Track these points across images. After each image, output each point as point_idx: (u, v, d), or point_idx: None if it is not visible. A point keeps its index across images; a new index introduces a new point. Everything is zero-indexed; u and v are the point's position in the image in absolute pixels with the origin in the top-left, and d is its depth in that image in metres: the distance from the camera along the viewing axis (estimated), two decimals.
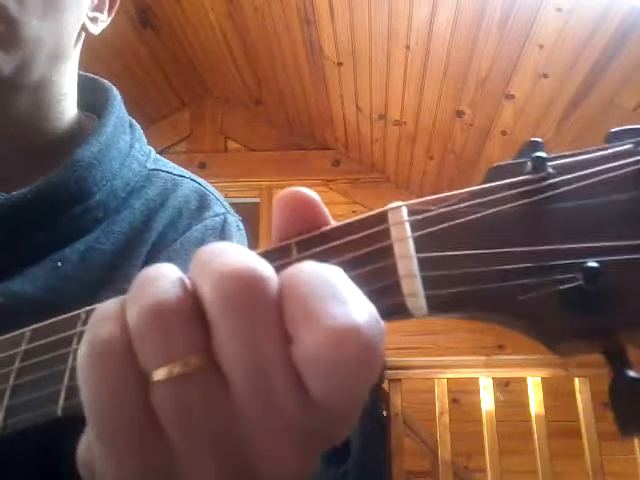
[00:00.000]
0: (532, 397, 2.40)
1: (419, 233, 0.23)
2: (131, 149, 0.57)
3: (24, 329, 0.29)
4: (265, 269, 0.21)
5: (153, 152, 0.62)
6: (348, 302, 0.20)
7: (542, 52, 2.36)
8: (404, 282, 0.22)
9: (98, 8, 0.58)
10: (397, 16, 2.54)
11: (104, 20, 0.59)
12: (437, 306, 0.22)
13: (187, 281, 0.22)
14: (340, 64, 3.03)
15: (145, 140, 0.61)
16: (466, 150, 3.14)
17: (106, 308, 0.22)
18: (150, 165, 0.59)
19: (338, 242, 0.24)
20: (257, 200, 3.81)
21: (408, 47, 2.68)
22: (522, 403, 2.56)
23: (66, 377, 0.25)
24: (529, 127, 2.75)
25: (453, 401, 2.78)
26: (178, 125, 3.95)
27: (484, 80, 2.66)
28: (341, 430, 0.22)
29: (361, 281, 0.22)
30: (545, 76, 2.46)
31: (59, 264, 0.48)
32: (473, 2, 2.31)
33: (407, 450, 2.42)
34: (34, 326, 0.29)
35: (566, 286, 0.21)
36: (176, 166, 0.63)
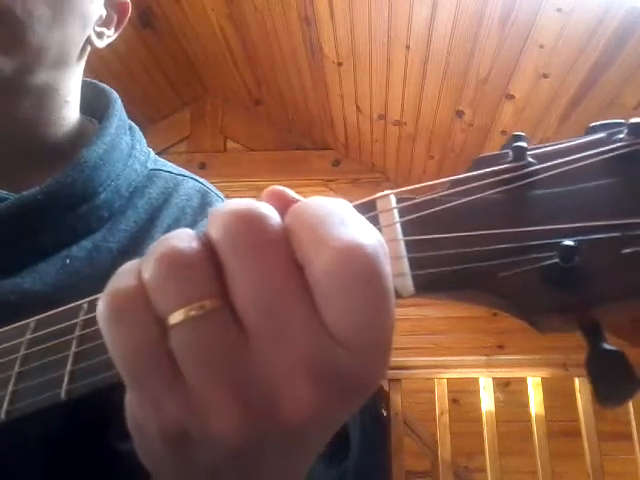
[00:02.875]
0: (532, 397, 2.40)
1: (406, 218, 0.24)
2: (132, 150, 0.58)
3: (29, 320, 0.30)
4: (265, 206, 0.22)
5: (152, 153, 0.63)
6: (354, 226, 0.21)
7: (542, 52, 2.36)
8: (392, 263, 0.23)
9: (105, 24, 0.59)
10: (397, 16, 2.54)
11: (110, 35, 0.60)
12: (423, 285, 0.23)
13: (201, 236, 0.23)
14: (340, 64, 3.03)
15: (144, 142, 0.62)
16: (466, 150, 3.14)
17: (124, 267, 0.23)
18: (151, 165, 0.60)
19: None
20: None
21: (408, 47, 2.68)
22: (522, 403, 2.56)
23: (69, 362, 0.27)
24: (529, 127, 2.75)
25: (453, 401, 2.78)
26: (178, 125, 3.95)
27: (484, 80, 2.66)
28: (365, 372, 0.22)
29: None
30: (545, 76, 2.46)
31: (68, 261, 0.49)
32: (473, 2, 2.31)
33: (407, 450, 2.42)
34: (38, 316, 0.30)
35: (544, 263, 0.22)
36: (175, 166, 0.64)
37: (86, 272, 0.49)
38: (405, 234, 0.24)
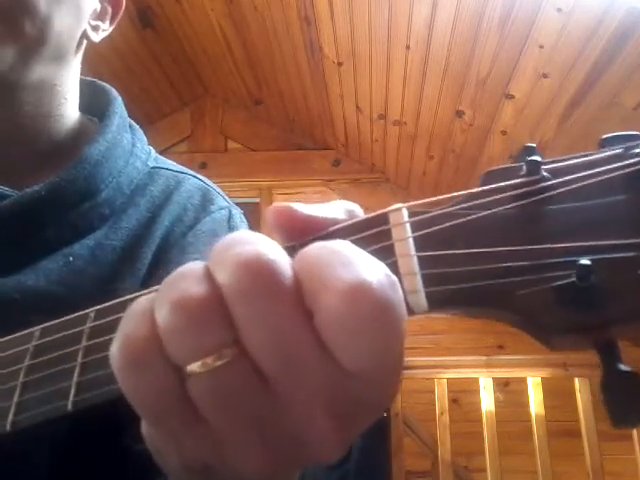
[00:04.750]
0: (532, 397, 2.40)
1: (419, 233, 0.24)
2: (133, 148, 0.58)
3: (34, 328, 0.29)
4: (277, 253, 0.21)
5: (153, 151, 0.63)
6: (357, 264, 0.21)
7: (542, 52, 2.36)
8: (405, 280, 0.23)
9: (100, 17, 0.59)
10: (397, 16, 2.54)
11: (105, 29, 0.60)
12: (437, 302, 0.23)
13: (208, 274, 0.23)
14: (340, 64, 3.03)
15: (145, 140, 0.63)
16: (466, 150, 3.14)
17: (135, 309, 0.23)
18: (152, 163, 0.60)
19: None
20: (257, 200, 3.81)
21: (408, 47, 2.68)
22: (522, 403, 2.56)
23: (76, 373, 0.26)
24: (529, 127, 2.75)
25: (453, 401, 2.78)
26: (178, 125, 3.95)
27: (484, 80, 2.66)
28: (379, 397, 0.22)
29: None
30: (545, 76, 2.46)
31: (71, 259, 0.49)
32: (473, 2, 2.31)
33: (407, 450, 2.42)
34: (43, 325, 0.29)
35: (560, 283, 0.21)
36: (175, 164, 0.64)
37: (89, 270, 0.49)
38: (418, 249, 0.24)
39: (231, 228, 0.58)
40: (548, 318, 0.22)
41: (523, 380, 2.47)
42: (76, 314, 0.28)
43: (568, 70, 2.36)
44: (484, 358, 2.56)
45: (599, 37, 2.16)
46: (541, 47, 2.35)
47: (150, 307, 0.22)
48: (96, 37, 0.59)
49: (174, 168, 0.62)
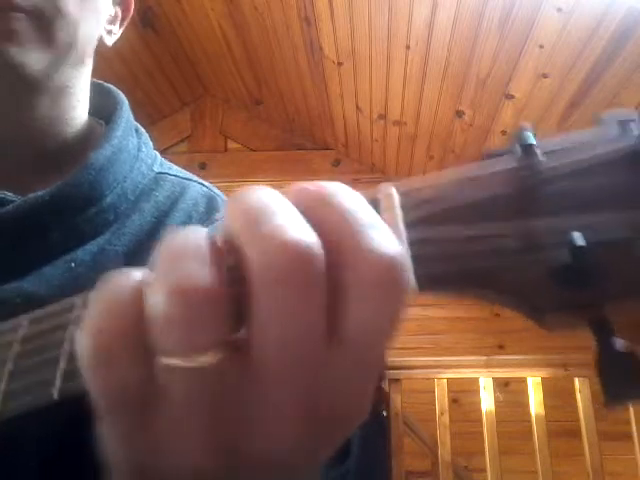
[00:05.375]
0: (532, 397, 2.40)
1: (409, 214, 0.24)
2: (139, 152, 0.58)
3: (21, 316, 0.29)
4: (318, 245, 0.20)
5: (159, 156, 0.63)
6: (382, 231, 0.21)
7: (542, 52, 2.36)
8: None
9: (113, 21, 0.60)
10: (397, 16, 2.54)
11: (116, 33, 0.61)
12: (428, 284, 0.23)
13: (220, 245, 0.21)
14: (340, 64, 3.03)
15: (151, 144, 0.62)
16: (466, 150, 3.14)
17: (117, 287, 0.21)
18: (157, 168, 0.60)
19: None
20: None
21: (408, 47, 2.68)
22: (522, 403, 2.56)
23: (62, 361, 0.26)
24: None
25: (453, 401, 2.78)
26: (178, 125, 3.95)
27: (484, 80, 2.66)
28: (361, 395, 0.22)
29: None
30: (545, 76, 2.47)
31: (73, 265, 0.48)
32: (473, 2, 2.31)
33: (407, 450, 2.42)
34: (31, 313, 0.29)
35: (554, 262, 0.21)
36: (181, 169, 0.64)
37: (92, 276, 0.48)
38: (409, 231, 0.23)
39: None
40: (542, 298, 0.22)
41: (523, 380, 2.47)
42: (63, 301, 0.28)
43: (568, 70, 2.36)
44: (484, 358, 2.56)
45: (599, 37, 2.16)
46: (541, 47, 2.35)
47: (138, 287, 0.21)
48: (110, 41, 0.59)
49: (180, 174, 0.62)
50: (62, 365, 0.26)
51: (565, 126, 2.60)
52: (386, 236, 0.21)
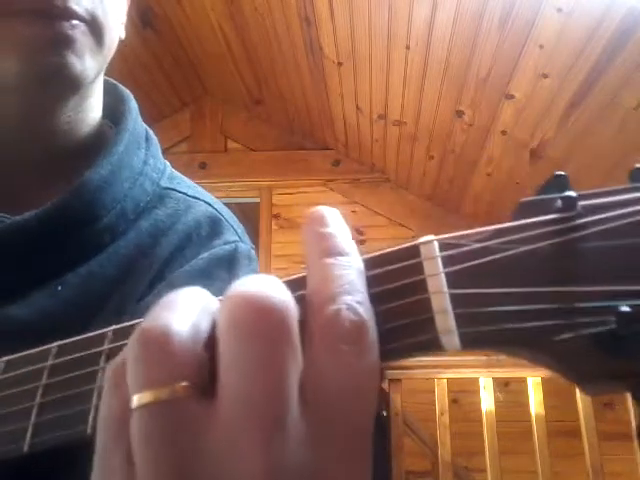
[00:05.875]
0: (532, 397, 2.40)
1: (451, 269, 0.23)
2: (145, 166, 0.54)
3: (51, 344, 0.29)
4: (281, 295, 0.21)
5: (169, 168, 0.59)
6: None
7: (542, 52, 2.36)
8: (438, 318, 0.22)
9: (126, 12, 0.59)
10: (397, 16, 2.54)
11: (124, 22, 0.59)
12: (470, 342, 0.22)
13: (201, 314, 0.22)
14: (340, 64, 3.03)
15: (160, 154, 0.59)
16: (466, 150, 3.14)
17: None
18: (164, 183, 0.56)
19: (370, 273, 0.24)
20: (257, 200, 3.81)
21: (408, 47, 2.68)
22: (522, 403, 2.56)
23: (94, 396, 0.26)
24: (529, 127, 2.75)
25: (453, 401, 2.78)
26: (179, 125, 3.95)
27: (484, 80, 2.66)
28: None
29: (394, 315, 0.23)
30: (545, 76, 2.47)
31: (59, 288, 0.46)
32: (473, 2, 2.31)
33: (407, 450, 2.42)
34: (60, 342, 0.28)
35: (599, 329, 0.21)
36: (193, 186, 0.60)
37: (76, 300, 0.46)
38: (450, 286, 0.23)
39: (231, 267, 0.52)
40: (586, 365, 0.21)
41: (523, 380, 2.47)
42: (95, 333, 0.28)
43: (568, 70, 2.36)
44: (484, 358, 2.56)
45: (599, 37, 2.16)
46: (541, 47, 2.35)
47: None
48: (123, 33, 0.58)
49: (189, 191, 0.58)
50: (94, 400, 0.25)
51: (565, 126, 2.60)
52: (358, 299, 0.21)
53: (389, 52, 2.77)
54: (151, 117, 3.75)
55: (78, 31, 0.45)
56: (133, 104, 0.58)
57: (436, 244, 0.24)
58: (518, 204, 0.24)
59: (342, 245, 0.24)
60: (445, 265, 0.23)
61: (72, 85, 0.48)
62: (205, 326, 0.22)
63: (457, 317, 0.22)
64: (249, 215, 3.64)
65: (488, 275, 0.22)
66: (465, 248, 0.23)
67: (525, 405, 2.46)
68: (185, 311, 0.22)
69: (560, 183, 0.23)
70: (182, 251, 0.52)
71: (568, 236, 0.22)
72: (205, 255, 0.52)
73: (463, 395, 3.03)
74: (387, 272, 0.24)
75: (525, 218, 0.23)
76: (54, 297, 0.46)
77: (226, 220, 0.57)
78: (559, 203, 0.23)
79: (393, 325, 0.23)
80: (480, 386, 2.46)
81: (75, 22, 0.45)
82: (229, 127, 3.99)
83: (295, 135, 3.92)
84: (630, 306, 0.20)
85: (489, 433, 2.36)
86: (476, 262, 0.23)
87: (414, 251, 0.24)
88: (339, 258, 0.23)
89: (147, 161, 0.55)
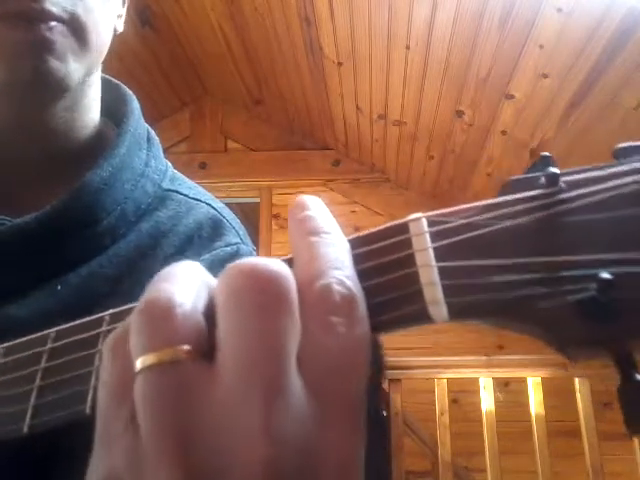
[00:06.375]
0: (532, 397, 2.40)
1: (439, 243, 0.24)
2: (146, 168, 0.54)
3: (49, 330, 0.29)
4: (282, 267, 0.22)
5: (170, 169, 0.59)
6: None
7: (542, 52, 2.36)
8: (426, 290, 0.23)
9: (122, 4, 0.57)
10: (397, 16, 2.54)
11: (122, 15, 0.57)
12: (457, 313, 0.23)
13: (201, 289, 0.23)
14: (340, 64, 3.03)
15: (162, 155, 0.58)
16: (466, 150, 3.14)
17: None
18: (166, 185, 0.56)
19: (360, 250, 0.25)
20: (257, 200, 3.81)
21: (408, 47, 2.68)
22: (522, 403, 2.56)
23: (93, 377, 0.26)
24: (529, 127, 2.75)
25: (453, 401, 2.78)
26: (178, 125, 3.95)
27: (484, 80, 2.66)
28: (325, 444, 0.21)
29: (383, 288, 0.24)
30: (545, 76, 2.47)
31: (59, 288, 0.46)
32: (473, 2, 2.31)
33: (407, 450, 2.42)
34: (58, 327, 0.29)
35: (580, 296, 0.22)
36: (195, 187, 0.59)
37: (76, 300, 0.46)
38: (438, 260, 0.24)
39: None
40: (568, 331, 0.22)
41: (523, 380, 2.47)
42: (92, 317, 0.28)
43: (568, 70, 2.36)
44: (484, 358, 2.56)
45: (599, 37, 2.16)
46: (541, 47, 2.35)
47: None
48: (120, 27, 0.56)
49: (190, 193, 0.57)
50: (93, 381, 0.26)
51: (565, 126, 2.60)
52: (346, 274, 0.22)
53: (389, 52, 2.77)
54: (151, 117, 3.74)
55: (57, 32, 0.45)
56: (135, 105, 0.58)
57: (424, 221, 0.25)
58: (503, 183, 0.25)
59: (325, 224, 0.25)
60: (433, 240, 0.24)
61: (56, 89, 0.47)
62: (204, 296, 0.23)
63: (445, 289, 0.23)
64: (249, 215, 3.65)
65: (475, 248, 0.23)
66: (452, 224, 0.24)
67: (525, 405, 2.46)
68: (185, 282, 0.23)
69: (545, 163, 0.24)
70: (183, 253, 0.52)
71: (551, 210, 0.23)
72: (207, 257, 0.52)
73: (463, 395, 3.03)
74: (376, 249, 0.25)
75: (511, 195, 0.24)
76: (54, 297, 0.46)
77: (228, 222, 0.57)
78: (543, 180, 0.24)
79: (382, 299, 0.24)
80: (480, 386, 2.46)
81: (53, 24, 0.44)
82: (229, 127, 3.99)
83: (295, 135, 3.92)
84: (611, 273, 0.21)
85: (489, 433, 2.36)
86: (463, 236, 0.24)
87: (403, 228, 0.25)
88: (323, 236, 0.24)
89: (148, 163, 0.55)
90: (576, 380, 2.38)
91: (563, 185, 0.23)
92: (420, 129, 3.19)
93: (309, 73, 3.22)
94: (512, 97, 2.67)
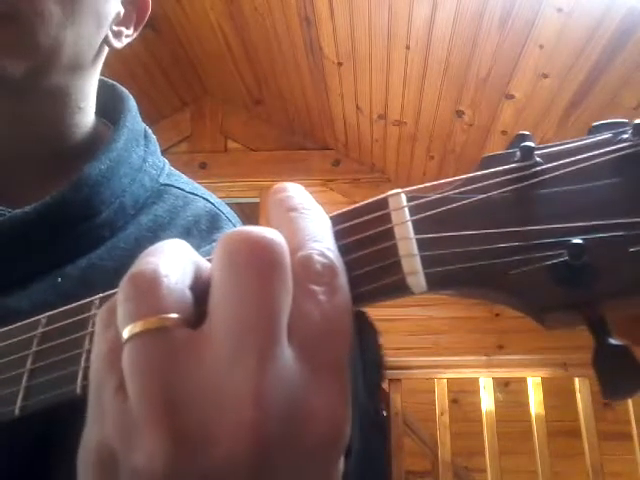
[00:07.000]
0: (532, 397, 2.40)
1: (417, 217, 0.25)
2: (144, 163, 0.55)
3: (39, 316, 0.30)
4: (276, 235, 0.22)
5: (167, 165, 0.59)
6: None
7: (542, 52, 2.36)
8: (404, 261, 0.24)
9: (124, 22, 0.56)
10: (397, 16, 2.54)
11: (129, 35, 0.57)
12: (435, 283, 0.24)
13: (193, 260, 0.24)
14: (340, 64, 3.03)
15: (159, 152, 0.59)
16: (466, 150, 3.14)
17: None
18: (163, 180, 0.57)
19: (341, 226, 0.26)
20: (257, 200, 3.81)
21: (408, 47, 2.68)
22: (522, 403, 2.57)
23: (83, 358, 0.27)
24: (529, 127, 2.75)
25: (453, 401, 2.78)
26: (179, 125, 3.95)
27: (484, 80, 2.66)
28: (317, 409, 0.21)
29: (363, 261, 0.25)
30: (545, 76, 2.47)
31: (59, 280, 0.47)
32: (473, 2, 2.31)
33: (407, 450, 2.43)
34: (49, 313, 0.30)
35: (553, 261, 0.22)
36: (191, 182, 0.60)
37: (78, 291, 0.46)
38: (416, 232, 0.24)
39: None
40: (541, 296, 0.22)
41: (523, 380, 2.47)
42: (82, 301, 0.29)
43: (568, 70, 2.36)
44: (484, 358, 2.56)
45: (599, 37, 2.16)
46: (541, 47, 2.35)
47: None
48: (118, 43, 0.56)
49: (186, 187, 0.58)
50: (83, 363, 0.27)
51: (565, 126, 2.60)
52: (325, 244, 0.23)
53: (389, 52, 2.77)
54: (151, 117, 3.75)
55: None
56: (132, 103, 0.58)
57: (403, 196, 0.25)
58: (482, 158, 0.26)
59: (304, 201, 0.25)
60: (412, 214, 0.25)
61: None
62: (190, 269, 0.23)
63: (422, 260, 0.24)
64: (249, 215, 3.65)
65: (452, 221, 0.24)
66: (430, 198, 0.25)
67: (525, 405, 2.46)
68: (171, 256, 0.23)
69: (522, 139, 0.25)
70: None
71: (525, 182, 0.24)
72: (207, 248, 0.52)
73: (463, 395, 3.03)
74: (357, 224, 0.26)
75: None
76: (54, 289, 0.46)
77: (225, 215, 0.58)
78: (518, 154, 0.25)
79: (362, 271, 0.24)
80: (480, 386, 2.46)
81: None
82: (229, 127, 3.99)
83: (295, 135, 3.92)
84: (583, 239, 0.22)
85: (489, 433, 2.37)
86: (441, 209, 0.25)
87: (383, 203, 0.26)
88: (303, 211, 0.25)
89: (146, 158, 0.55)
90: (576, 380, 2.38)
91: (538, 158, 0.24)
92: (420, 129, 3.19)
93: (309, 73, 3.22)
94: (512, 97, 2.67)
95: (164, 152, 0.60)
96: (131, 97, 0.59)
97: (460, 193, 0.25)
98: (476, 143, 3.05)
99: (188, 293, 0.22)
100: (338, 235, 0.25)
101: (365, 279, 0.24)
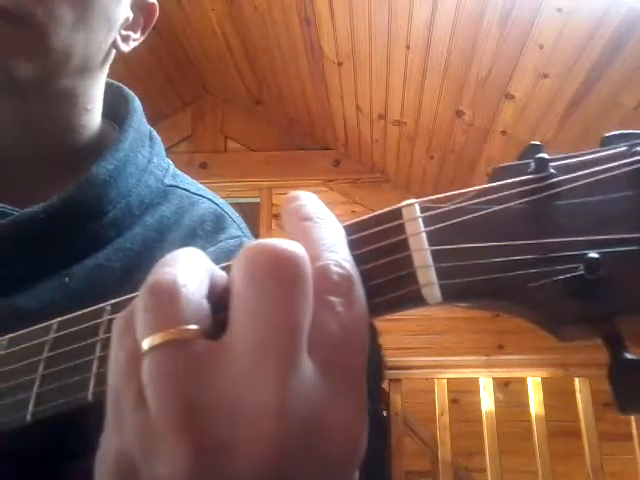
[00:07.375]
0: (532, 397, 2.40)
1: (431, 228, 0.25)
2: (149, 164, 0.55)
3: (51, 321, 0.30)
4: (298, 248, 0.22)
5: (172, 167, 0.60)
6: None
7: (542, 52, 2.36)
8: (420, 272, 0.24)
9: (132, 27, 0.57)
10: (397, 16, 2.54)
11: (136, 39, 0.58)
12: (450, 294, 0.24)
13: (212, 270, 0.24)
14: (340, 64, 3.03)
15: (164, 154, 0.59)
16: (466, 150, 3.14)
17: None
18: (168, 181, 0.57)
19: (354, 236, 0.25)
20: (257, 200, 3.81)
21: (408, 47, 2.68)
22: (522, 403, 2.56)
23: (94, 365, 0.27)
24: (529, 127, 2.75)
25: (453, 401, 2.78)
26: (179, 125, 3.96)
27: (484, 80, 2.66)
28: (337, 424, 0.21)
29: (378, 272, 0.24)
30: (545, 76, 2.46)
31: (67, 279, 0.47)
32: (473, 2, 2.31)
33: (407, 450, 2.43)
34: (60, 318, 0.30)
35: (569, 275, 0.22)
36: (195, 183, 0.61)
37: (85, 291, 0.47)
38: (431, 243, 0.24)
39: None
40: (557, 310, 0.22)
41: (523, 380, 2.47)
42: (94, 307, 0.29)
43: (568, 70, 2.36)
44: (484, 358, 2.56)
45: (599, 37, 2.16)
46: (541, 47, 2.35)
47: None
48: (126, 48, 0.56)
49: (191, 188, 0.59)
50: (95, 369, 0.27)
51: (565, 126, 2.60)
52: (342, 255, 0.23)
53: (389, 52, 2.77)
54: (151, 117, 3.69)
55: (3, 26, 0.44)
56: (137, 104, 0.58)
57: (417, 207, 0.25)
58: (494, 169, 0.26)
59: (319, 211, 0.25)
60: (426, 225, 0.25)
61: (3, 82, 0.47)
62: (206, 279, 0.23)
63: (437, 271, 0.24)
64: (249, 215, 3.64)
65: (467, 232, 0.24)
66: (444, 209, 0.25)
67: (525, 405, 2.46)
68: (187, 265, 0.23)
69: (535, 150, 0.25)
70: (188, 245, 0.52)
71: (541, 194, 0.24)
72: (212, 249, 0.53)
73: (463, 395, 3.03)
74: (371, 234, 0.25)
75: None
76: (62, 289, 0.46)
77: (229, 216, 0.58)
78: (532, 165, 0.25)
79: (377, 282, 0.24)
80: (480, 386, 2.46)
81: None
82: (229, 127, 3.99)
83: (295, 135, 3.92)
84: (599, 253, 0.22)
85: (489, 433, 2.36)
86: (455, 221, 0.24)
87: (397, 214, 0.26)
88: (317, 220, 0.25)
89: (151, 159, 0.56)
90: (576, 380, 2.38)
91: (552, 170, 0.24)
92: (420, 129, 3.19)
93: (309, 73, 3.22)
94: (512, 97, 2.67)
95: (165, 152, 0.60)
96: (137, 98, 0.60)
97: (475, 204, 0.25)
98: (476, 143, 3.05)
99: (205, 303, 0.22)
100: (352, 245, 0.25)
101: (380, 290, 0.24)
